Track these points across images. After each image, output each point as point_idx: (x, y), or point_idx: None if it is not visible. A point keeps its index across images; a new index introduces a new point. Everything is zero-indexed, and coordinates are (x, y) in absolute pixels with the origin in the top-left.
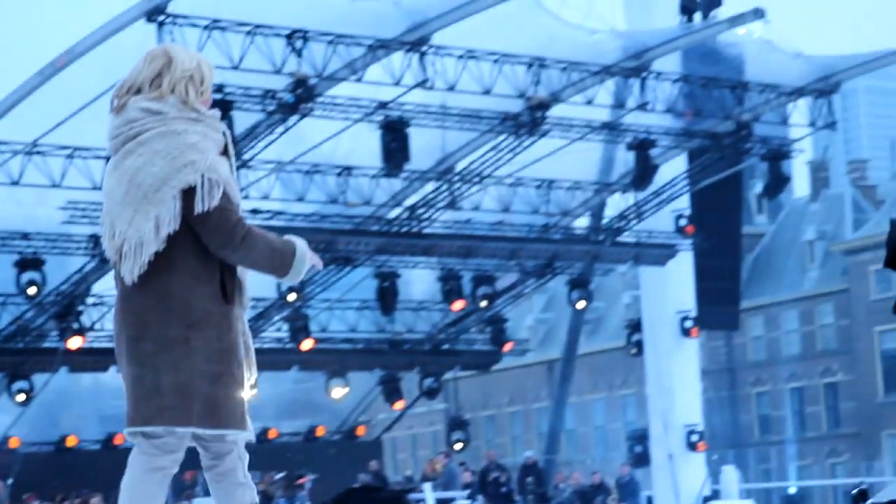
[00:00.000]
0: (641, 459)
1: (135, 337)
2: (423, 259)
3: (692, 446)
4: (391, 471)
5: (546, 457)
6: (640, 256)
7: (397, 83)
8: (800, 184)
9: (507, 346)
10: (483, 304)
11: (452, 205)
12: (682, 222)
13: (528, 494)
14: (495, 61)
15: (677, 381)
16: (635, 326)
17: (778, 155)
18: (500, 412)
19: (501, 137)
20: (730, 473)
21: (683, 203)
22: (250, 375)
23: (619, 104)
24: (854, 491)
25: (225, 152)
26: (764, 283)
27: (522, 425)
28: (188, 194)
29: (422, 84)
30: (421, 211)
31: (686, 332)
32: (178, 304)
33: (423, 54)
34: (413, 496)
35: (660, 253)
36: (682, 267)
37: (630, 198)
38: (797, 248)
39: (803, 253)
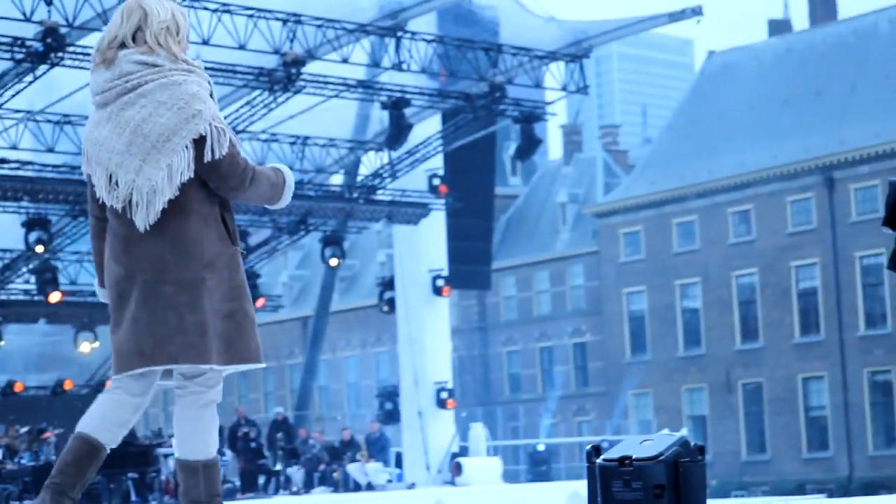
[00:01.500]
0: (391, 416)
1: (153, 280)
2: None
3: (442, 403)
4: (141, 425)
5: (297, 412)
6: (393, 215)
7: None
8: (553, 147)
9: (260, 302)
10: None
11: None
12: (436, 182)
13: (277, 450)
14: (250, 16)
15: (428, 339)
16: (388, 284)
17: (531, 117)
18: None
19: (256, 93)
20: (478, 430)
21: (437, 163)
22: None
23: (374, 63)
24: (588, 447)
25: (211, 98)
26: (516, 244)
27: (276, 381)
28: (198, 143)
29: None
30: None
31: (438, 291)
32: (193, 247)
33: None
34: (161, 451)
35: (413, 212)
36: (435, 226)
37: (384, 156)
38: (549, 210)
39: (555, 215)
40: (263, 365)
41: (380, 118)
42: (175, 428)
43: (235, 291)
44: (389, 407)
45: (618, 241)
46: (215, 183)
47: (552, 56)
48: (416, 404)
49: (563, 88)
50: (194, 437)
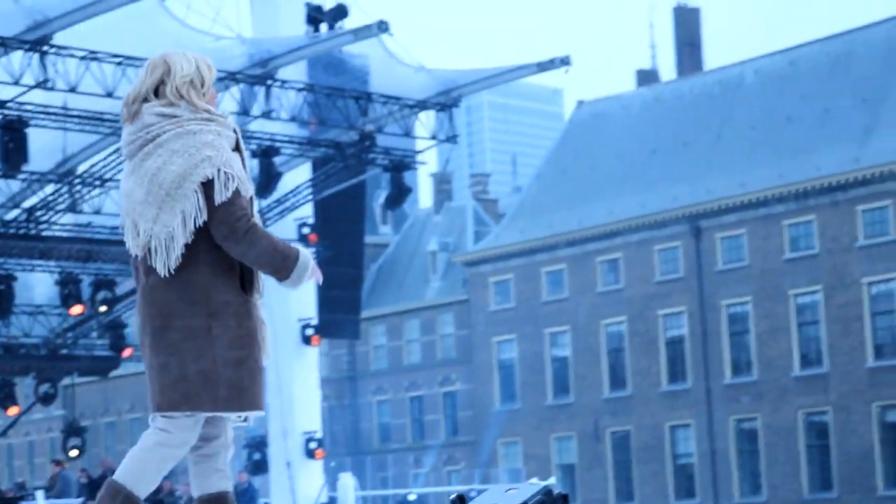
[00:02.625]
0: (260, 466)
1: (160, 327)
2: (42, 262)
3: (310, 453)
4: (5, 477)
5: None
6: None
7: (16, 82)
8: (424, 195)
9: (127, 352)
10: (102, 308)
11: (73, 207)
12: (306, 230)
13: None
14: (118, 63)
15: (297, 388)
16: None
17: (400, 166)
18: (121, 419)
19: None
20: (346, 480)
21: (307, 211)
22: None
23: (244, 111)
24: (453, 496)
25: (237, 149)
26: (387, 293)
27: (142, 432)
28: (207, 187)
29: (42, 84)
30: (40, 213)
31: (307, 340)
32: (200, 296)
33: (43, 54)
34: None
35: None
36: None
37: (255, 204)
38: (420, 259)
39: (425, 263)
40: (263, 412)
41: (249, 166)
42: (130, 452)
43: (244, 340)
44: (258, 457)
45: (488, 289)
46: (212, 229)
47: (422, 105)
48: (285, 454)
49: (433, 137)
50: (141, 467)
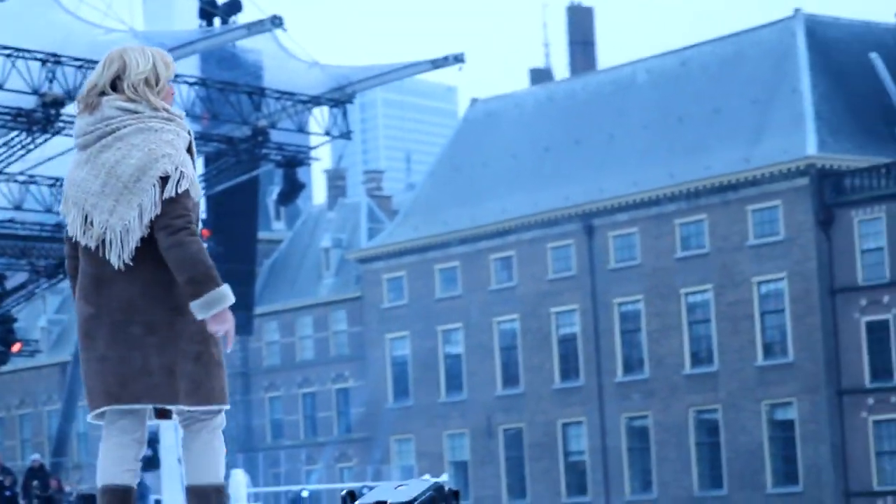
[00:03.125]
0: (151, 462)
1: (122, 320)
2: None
3: None
4: None
5: (54, 459)
6: None
7: None
8: (318, 192)
9: (16, 347)
10: None
11: None
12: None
13: (32, 498)
14: (8, 56)
15: None
16: None
17: (293, 162)
18: (10, 414)
19: (14, 134)
20: (238, 477)
21: (200, 207)
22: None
23: None
24: (343, 492)
25: (189, 150)
26: (280, 289)
27: (33, 428)
28: (163, 182)
29: None
30: None
31: None
32: (163, 291)
33: None
34: None
35: None
36: None
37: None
38: (313, 255)
39: (319, 260)
40: (228, 406)
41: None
42: (192, 454)
43: (203, 335)
44: (149, 453)
45: (381, 286)
46: (155, 220)
47: (315, 101)
48: (176, 451)
49: (327, 133)
50: (212, 459)
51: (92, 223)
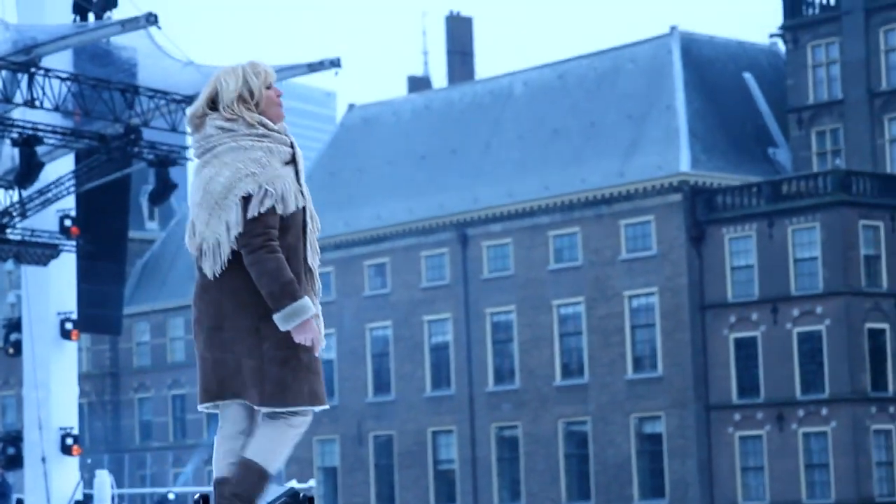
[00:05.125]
0: (14, 461)
1: (214, 326)
2: None
3: (67, 449)
4: None
5: None
6: (21, 255)
7: None
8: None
9: None
10: None
11: None
12: (67, 223)
13: None
14: None
15: (55, 383)
16: (14, 326)
17: (166, 161)
18: None
19: None
20: (103, 478)
21: (70, 203)
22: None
23: (5, 98)
24: (196, 496)
25: (292, 161)
26: (152, 290)
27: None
28: (246, 201)
29: None
30: None
31: (66, 335)
32: (250, 298)
33: None
34: None
35: (42, 252)
36: (66, 268)
37: (14, 195)
38: (186, 256)
39: (192, 261)
40: (325, 406)
41: (10, 155)
42: (257, 435)
43: (290, 340)
44: (12, 452)
45: None
46: (239, 237)
47: (189, 100)
48: (40, 450)
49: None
50: (270, 447)
51: (195, 232)
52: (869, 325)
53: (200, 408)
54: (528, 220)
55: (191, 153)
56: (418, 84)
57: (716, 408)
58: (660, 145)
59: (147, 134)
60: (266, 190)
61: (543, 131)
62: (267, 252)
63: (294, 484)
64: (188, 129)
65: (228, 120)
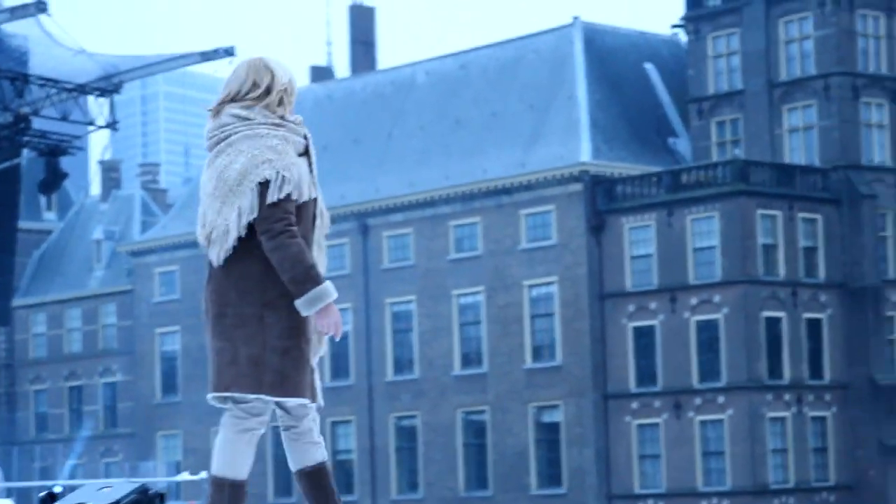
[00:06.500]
0: None
1: (218, 314)
2: None
3: None
4: None
5: None
6: None
7: None
8: (94, 183)
9: None
10: None
11: None
12: None
13: None
14: None
15: None
16: None
17: (56, 151)
18: None
19: None
20: None
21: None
22: (319, 350)
23: None
24: (43, 493)
25: (305, 153)
26: (49, 281)
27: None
28: (263, 187)
29: None
30: None
31: None
32: (255, 286)
33: None
34: None
35: None
36: None
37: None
38: (84, 247)
39: (90, 252)
40: (311, 401)
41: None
42: (214, 447)
43: (294, 331)
44: None
45: (153, 280)
46: (256, 225)
47: (81, 89)
48: None
49: (92, 123)
50: (226, 455)
51: (205, 223)
52: (766, 313)
53: (209, 398)
54: (429, 210)
55: (206, 142)
56: (321, 74)
57: (614, 396)
58: (561, 135)
59: (37, 123)
60: (283, 176)
61: (445, 121)
62: (288, 237)
63: (187, 475)
64: (210, 114)
65: (245, 107)
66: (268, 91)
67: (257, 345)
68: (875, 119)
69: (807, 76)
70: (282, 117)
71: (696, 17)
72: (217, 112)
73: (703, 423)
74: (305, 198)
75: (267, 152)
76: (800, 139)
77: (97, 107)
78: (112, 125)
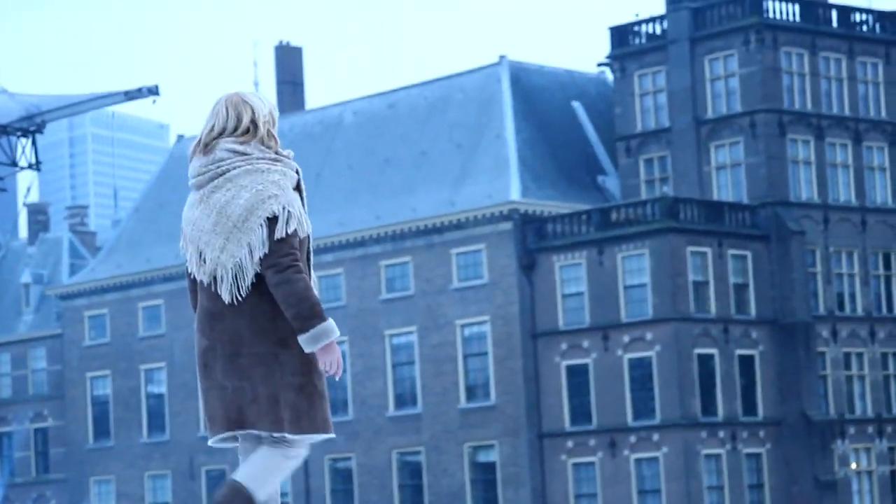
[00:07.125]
0: None
1: (231, 353)
2: None
3: None
4: None
5: None
6: None
7: None
8: (22, 225)
9: None
10: None
11: None
12: None
13: None
14: None
15: None
16: None
17: None
18: None
19: None
20: None
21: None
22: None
23: None
24: None
25: (297, 188)
26: None
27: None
28: (271, 223)
29: None
30: None
31: None
32: (269, 324)
33: None
34: None
35: None
36: None
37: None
38: (13, 291)
39: (18, 296)
40: (332, 435)
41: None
42: (250, 459)
43: (306, 367)
44: None
45: (82, 323)
46: (263, 259)
47: (3, 130)
48: None
49: (13, 163)
50: (262, 472)
51: (205, 260)
52: (698, 350)
53: (213, 440)
54: (360, 250)
55: (192, 179)
56: None
57: (549, 435)
58: (490, 174)
59: None
60: (289, 211)
61: (374, 161)
62: (295, 272)
63: None
64: (194, 152)
65: (241, 143)
66: (255, 125)
67: (274, 383)
68: (801, 156)
69: (733, 113)
70: (276, 152)
71: (622, 55)
72: (207, 148)
73: (638, 461)
74: (305, 233)
75: (271, 187)
76: (727, 176)
77: (20, 148)
78: (35, 165)
